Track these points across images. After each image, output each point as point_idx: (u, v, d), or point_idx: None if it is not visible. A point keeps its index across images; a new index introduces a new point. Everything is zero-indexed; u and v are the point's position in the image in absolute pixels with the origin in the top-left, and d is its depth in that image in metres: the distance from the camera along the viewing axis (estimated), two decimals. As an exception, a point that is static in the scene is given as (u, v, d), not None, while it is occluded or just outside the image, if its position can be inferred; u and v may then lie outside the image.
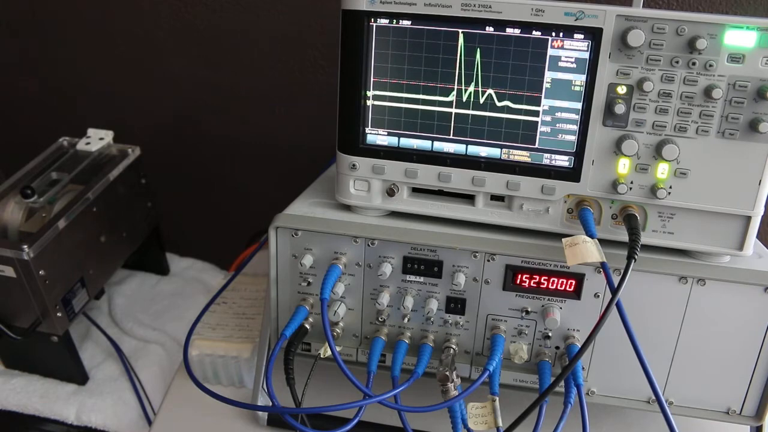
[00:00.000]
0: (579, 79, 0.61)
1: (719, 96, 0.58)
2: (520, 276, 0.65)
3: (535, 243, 0.66)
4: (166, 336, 1.01)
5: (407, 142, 0.67)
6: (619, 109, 0.60)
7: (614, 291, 0.57)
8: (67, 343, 0.88)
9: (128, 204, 1.02)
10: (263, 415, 0.74)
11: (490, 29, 0.61)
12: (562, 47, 0.60)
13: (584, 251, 0.58)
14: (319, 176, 0.83)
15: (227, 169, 1.25)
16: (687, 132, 0.60)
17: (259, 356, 0.73)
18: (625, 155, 0.61)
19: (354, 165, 0.68)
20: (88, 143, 1.03)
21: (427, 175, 0.67)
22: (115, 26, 1.16)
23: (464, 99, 0.64)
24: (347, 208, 0.71)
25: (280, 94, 1.14)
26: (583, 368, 0.67)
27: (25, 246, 0.78)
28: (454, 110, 0.65)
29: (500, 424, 0.61)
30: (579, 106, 0.62)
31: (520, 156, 0.65)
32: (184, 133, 1.23)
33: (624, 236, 0.62)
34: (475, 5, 0.60)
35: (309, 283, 0.69)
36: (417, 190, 0.69)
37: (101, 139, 1.03)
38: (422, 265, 0.67)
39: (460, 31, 0.62)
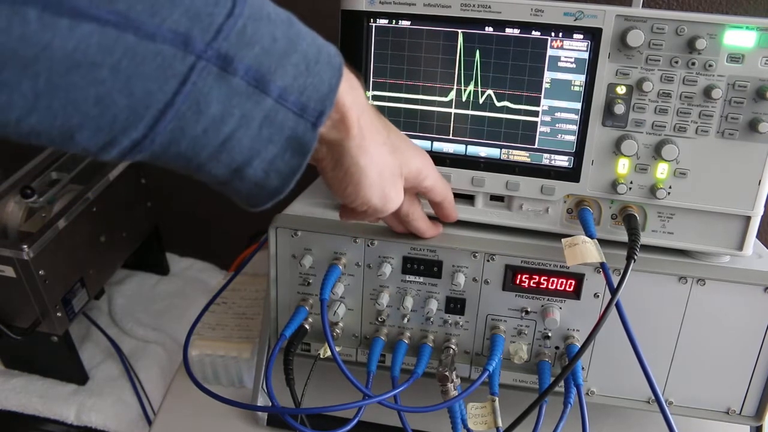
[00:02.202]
0: (578, 79, 0.61)
1: (719, 96, 0.58)
2: (519, 276, 0.65)
3: (535, 243, 0.66)
4: (166, 336, 1.01)
5: (407, 142, 0.67)
6: (619, 109, 0.60)
7: (614, 291, 0.57)
8: (67, 343, 0.88)
9: (128, 204, 1.02)
10: (263, 415, 0.74)
11: (489, 29, 0.61)
12: (561, 47, 0.60)
13: (584, 251, 0.58)
14: (319, 176, 0.83)
15: (227, 169, 1.25)
16: (686, 132, 0.60)
17: (259, 356, 0.73)
18: (625, 155, 0.61)
19: (354, 165, 0.68)
20: (88, 143, 1.03)
21: (427, 175, 0.67)
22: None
23: (463, 99, 0.64)
24: (347, 208, 0.71)
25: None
26: (582, 368, 0.67)
27: (25, 246, 0.78)
28: (453, 110, 0.65)
29: (500, 424, 0.61)
30: (578, 106, 0.62)
31: (520, 156, 0.65)
32: (184, 132, 1.23)
33: (624, 236, 0.62)
34: (474, 5, 0.60)
35: (309, 284, 0.69)
36: (417, 190, 0.69)
37: (101, 139, 1.03)
38: (422, 266, 0.67)
39: (459, 31, 0.62)
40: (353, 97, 0.44)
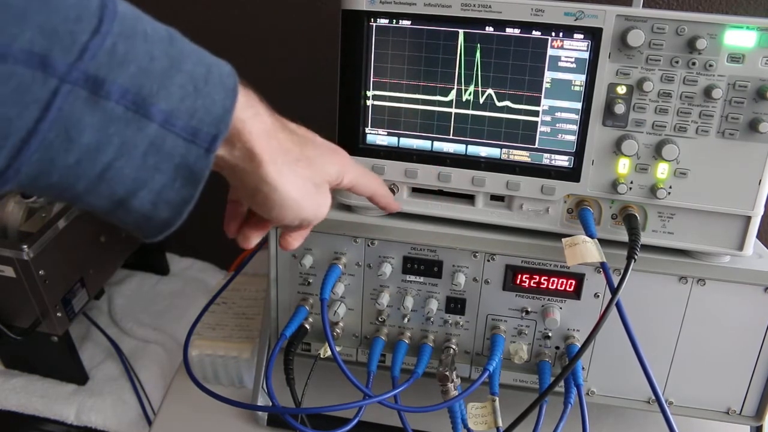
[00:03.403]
0: (579, 79, 0.61)
1: (719, 96, 0.58)
2: (520, 276, 0.65)
3: (535, 243, 0.66)
4: (166, 336, 1.01)
5: (407, 142, 0.67)
6: (619, 109, 0.60)
7: (614, 291, 0.57)
8: (67, 343, 0.88)
9: (128, 204, 1.02)
10: (263, 415, 0.74)
11: (489, 29, 0.61)
12: (561, 47, 0.60)
13: (584, 251, 0.58)
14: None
15: (227, 169, 1.25)
16: (687, 132, 0.60)
17: (259, 356, 0.73)
18: (625, 155, 0.61)
19: (354, 165, 0.68)
20: (88, 143, 1.03)
21: (427, 175, 0.67)
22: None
23: (464, 99, 0.64)
24: (347, 208, 0.71)
25: (280, 93, 1.14)
26: (583, 368, 0.67)
27: (25, 246, 0.78)
28: (453, 110, 0.65)
29: (500, 424, 0.61)
30: (579, 106, 0.62)
31: (520, 156, 0.65)
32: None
33: (624, 236, 0.62)
34: (475, 5, 0.60)
35: (309, 283, 0.69)
36: (417, 190, 0.69)
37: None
38: (422, 265, 0.67)
39: (460, 31, 0.62)
40: (258, 123, 0.41)
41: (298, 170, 0.46)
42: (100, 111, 0.33)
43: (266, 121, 0.43)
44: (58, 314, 0.85)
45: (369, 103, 0.66)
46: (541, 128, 0.63)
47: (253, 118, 0.41)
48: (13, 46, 0.29)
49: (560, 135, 0.63)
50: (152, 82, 0.34)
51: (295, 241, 0.56)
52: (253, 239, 0.53)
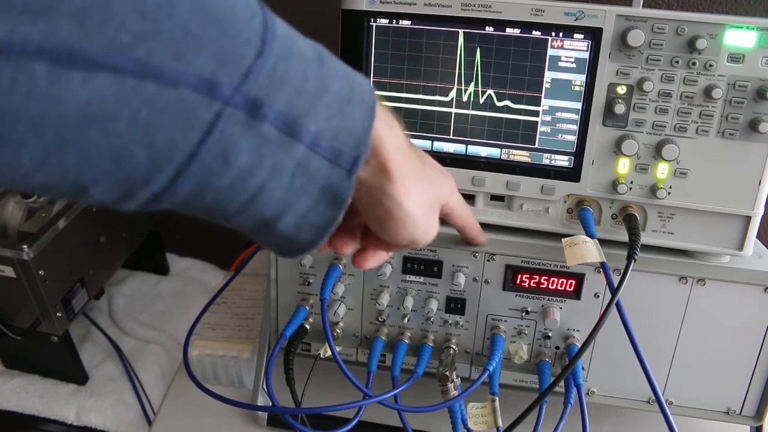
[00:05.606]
0: (579, 79, 0.61)
1: (719, 96, 0.58)
2: (520, 276, 0.65)
3: (535, 243, 0.66)
4: (166, 336, 1.01)
5: (407, 142, 0.67)
6: (619, 109, 0.60)
7: (614, 291, 0.57)
8: (67, 343, 0.88)
9: (128, 204, 1.02)
10: (263, 415, 0.74)
11: (489, 29, 0.61)
12: (561, 47, 0.60)
13: (584, 251, 0.58)
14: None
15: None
16: (687, 132, 0.60)
17: (259, 356, 0.73)
18: (625, 155, 0.61)
19: (354, 165, 0.68)
20: (88, 143, 1.03)
21: (427, 175, 0.67)
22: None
23: (464, 99, 0.64)
24: (347, 208, 0.71)
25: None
26: (583, 368, 0.67)
27: (25, 246, 0.78)
28: (453, 110, 0.65)
29: (500, 424, 0.61)
30: (579, 106, 0.62)
31: (520, 156, 0.65)
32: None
33: (624, 236, 0.62)
34: (474, 5, 0.60)
35: (309, 283, 0.69)
36: (417, 190, 0.69)
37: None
38: (422, 265, 0.67)
39: (459, 30, 0.62)
40: (393, 139, 0.40)
41: (423, 189, 0.45)
42: (255, 133, 0.32)
43: (400, 136, 0.42)
44: (58, 314, 0.85)
45: (369, 103, 0.66)
46: (541, 128, 0.63)
47: (390, 135, 0.40)
48: (187, 72, 0.29)
49: (560, 135, 0.63)
50: (304, 102, 0.34)
51: (373, 261, 0.53)
52: (350, 248, 0.50)
